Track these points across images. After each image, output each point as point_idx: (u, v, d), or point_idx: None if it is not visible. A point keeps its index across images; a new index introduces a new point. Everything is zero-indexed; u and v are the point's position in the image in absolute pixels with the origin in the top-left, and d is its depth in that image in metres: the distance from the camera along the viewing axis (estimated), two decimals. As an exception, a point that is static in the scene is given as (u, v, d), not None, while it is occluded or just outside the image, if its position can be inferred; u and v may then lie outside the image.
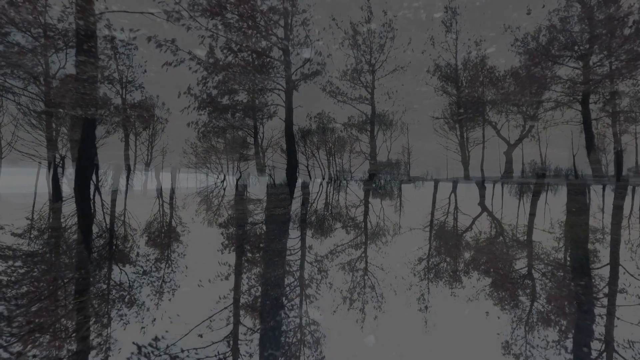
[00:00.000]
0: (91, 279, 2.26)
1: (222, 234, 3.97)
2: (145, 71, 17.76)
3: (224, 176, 18.54)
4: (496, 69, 20.27)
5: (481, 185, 15.75)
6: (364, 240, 3.64)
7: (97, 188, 11.42)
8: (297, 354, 1.41)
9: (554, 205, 7.34)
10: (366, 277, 2.36)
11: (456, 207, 6.90)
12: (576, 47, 16.76)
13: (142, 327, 1.56)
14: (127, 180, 16.36)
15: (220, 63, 15.50)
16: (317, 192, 11.45)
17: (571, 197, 9.48)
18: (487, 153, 21.64)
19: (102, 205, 6.97)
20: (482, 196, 10.20)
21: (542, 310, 1.85)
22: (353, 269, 2.57)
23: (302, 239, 3.69)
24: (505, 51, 18.47)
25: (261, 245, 3.39)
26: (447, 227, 4.59)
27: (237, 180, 17.99)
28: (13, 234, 3.57)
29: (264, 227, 4.42)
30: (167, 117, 18.69)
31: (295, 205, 7.09)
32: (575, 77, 17.42)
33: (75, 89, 9.84)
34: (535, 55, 17.55)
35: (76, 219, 4.87)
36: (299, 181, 18.23)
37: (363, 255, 3.00)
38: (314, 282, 2.25)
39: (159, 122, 18.77)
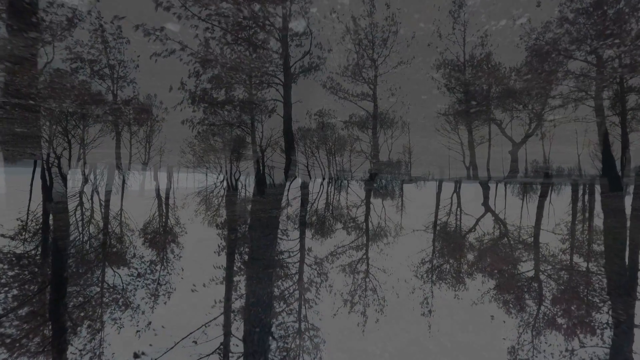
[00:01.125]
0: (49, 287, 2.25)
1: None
2: (138, 66, 17.73)
3: (223, 176, 18.52)
4: (502, 65, 20.21)
5: (485, 186, 15.71)
6: (366, 244, 3.62)
7: (95, 189, 11.41)
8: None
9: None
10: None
11: (460, 209, 6.88)
12: (589, 40, 16.71)
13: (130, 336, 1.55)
14: (123, 181, 16.37)
15: (215, 53, 15.33)
16: (318, 192, 11.43)
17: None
18: (490, 152, 21.69)
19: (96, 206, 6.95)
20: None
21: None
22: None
23: (301, 242, 3.68)
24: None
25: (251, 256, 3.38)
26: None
27: (236, 180, 17.97)
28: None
29: (251, 235, 4.40)
30: (165, 116, 18.65)
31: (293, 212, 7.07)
32: (588, 72, 17.37)
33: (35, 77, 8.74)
34: (546, 49, 17.49)
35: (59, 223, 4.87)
36: (299, 181, 18.19)
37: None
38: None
39: (155, 121, 18.74)
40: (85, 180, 14.52)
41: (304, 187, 14.65)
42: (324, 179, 20.77)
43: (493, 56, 20.54)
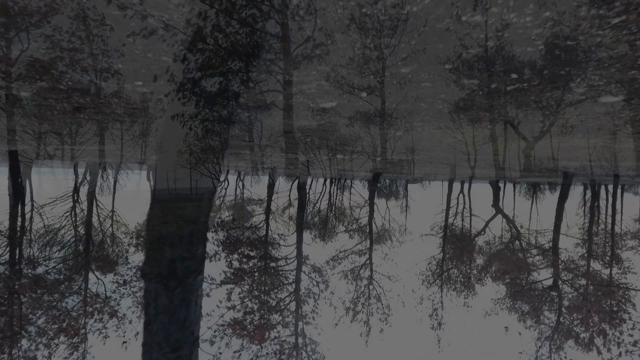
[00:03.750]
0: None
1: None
2: (123, 55, 17.76)
3: (221, 177, 18.62)
4: (513, 60, 20.05)
5: (496, 186, 15.70)
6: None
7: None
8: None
9: None
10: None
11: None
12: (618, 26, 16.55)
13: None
14: (115, 181, 16.47)
15: (205, 31, 14.95)
16: (321, 192, 11.49)
17: None
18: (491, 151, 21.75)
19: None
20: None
21: None
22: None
23: (297, 247, 3.72)
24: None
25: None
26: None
27: (235, 181, 18.07)
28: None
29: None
30: (161, 115, 18.64)
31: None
32: (618, 60, 17.19)
33: None
34: (572, 35, 17.35)
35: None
36: (297, 181, 18.27)
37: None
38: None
39: (152, 119, 18.75)
40: (77, 181, 14.64)
41: (302, 187, 14.69)
42: (325, 179, 20.82)
43: (507, 51, 20.30)
